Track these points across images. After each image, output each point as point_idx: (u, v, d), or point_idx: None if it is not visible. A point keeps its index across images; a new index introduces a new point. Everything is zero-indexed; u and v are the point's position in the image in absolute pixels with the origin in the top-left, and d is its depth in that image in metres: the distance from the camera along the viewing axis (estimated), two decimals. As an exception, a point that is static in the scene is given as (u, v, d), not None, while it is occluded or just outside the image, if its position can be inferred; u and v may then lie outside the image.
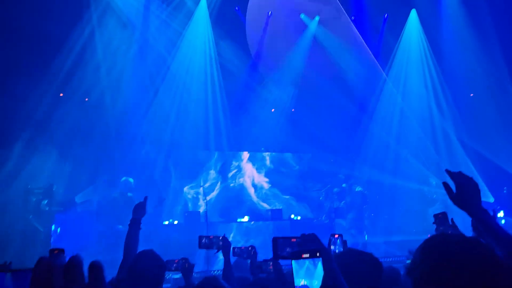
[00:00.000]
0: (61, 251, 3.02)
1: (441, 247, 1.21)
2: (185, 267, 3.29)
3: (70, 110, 8.84)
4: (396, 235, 10.06)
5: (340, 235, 2.79)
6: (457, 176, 1.68)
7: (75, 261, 2.69)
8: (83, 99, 9.33)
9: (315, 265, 1.40)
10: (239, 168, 11.92)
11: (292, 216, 11.43)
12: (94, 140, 9.03)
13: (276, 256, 1.72)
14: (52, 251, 3.00)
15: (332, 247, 2.74)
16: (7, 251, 7.08)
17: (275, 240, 1.72)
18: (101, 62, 9.37)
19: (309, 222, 11.21)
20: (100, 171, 9.12)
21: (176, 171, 10.62)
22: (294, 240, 1.68)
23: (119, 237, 7.45)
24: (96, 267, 2.57)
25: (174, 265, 3.31)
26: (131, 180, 8.57)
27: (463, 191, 1.67)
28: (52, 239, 7.97)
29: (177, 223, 9.55)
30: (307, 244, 1.60)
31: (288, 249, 1.69)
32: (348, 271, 2.07)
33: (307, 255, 1.35)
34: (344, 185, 9.78)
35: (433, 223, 2.99)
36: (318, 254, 1.36)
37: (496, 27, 10.97)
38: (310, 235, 1.66)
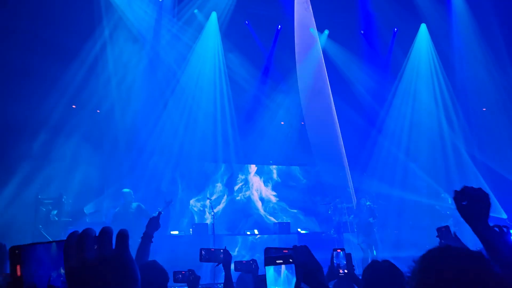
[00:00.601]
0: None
1: (440, 259, 1.19)
2: (191, 279, 3.29)
3: (80, 121, 8.98)
4: (405, 250, 9.91)
5: (343, 249, 2.78)
6: (471, 189, 1.65)
7: (107, 229, 2.72)
8: (94, 111, 9.49)
9: (293, 274, 1.40)
10: (246, 181, 11.93)
11: (299, 229, 11.36)
12: (103, 151, 9.16)
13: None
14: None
15: (334, 261, 2.73)
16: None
17: (267, 251, 1.73)
18: (112, 75, 9.54)
19: (317, 236, 11.11)
20: (108, 182, 9.21)
21: (183, 183, 10.67)
22: (286, 251, 1.69)
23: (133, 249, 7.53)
24: (123, 235, 2.58)
25: (180, 276, 3.31)
26: (126, 190, 8.40)
27: (472, 203, 1.62)
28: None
29: (188, 233, 9.60)
30: (299, 256, 1.61)
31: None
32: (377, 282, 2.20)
33: (281, 261, 1.35)
34: (364, 201, 9.70)
35: (436, 236, 2.96)
36: (291, 260, 1.36)
37: (506, 40, 10.90)
38: (302, 247, 1.67)
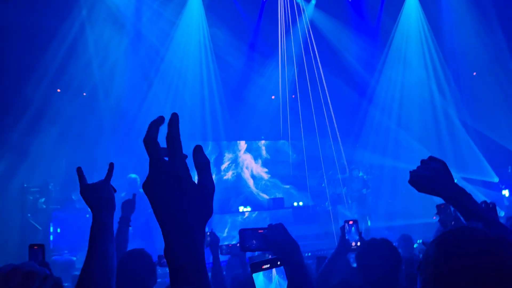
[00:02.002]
0: (41, 246, 2.91)
1: (461, 244, 1.00)
2: None
3: (63, 105, 8.72)
4: (399, 219, 9.98)
5: (355, 221, 2.68)
6: (422, 166, 1.54)
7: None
8: (76, 95, 9.20)
9: (285, 278, 1.27)
10: (236, 159, 11.83)
11: (295, 203, 11.37)
12: (88, 135, 8.94)
13: (243, 248, 1.65)
14: (31, 246, 2.91)
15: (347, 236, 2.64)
16: (6, 250, 7.06)
17: (241, 232, 1.65)
18: (93, 56, 9.21)
19: (312, 209, 11.15)
20: (96, 166, 9.03)
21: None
22: (261, 231, 1.61)
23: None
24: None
25: (164, 260, 3.22)
26: (133, 176, 8.39)
27: (431, 176, 1.51)
28: (52, 237, 7.95)
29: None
30: (274, 235, 1.54)
31: (254, 241, 1.62)
32: (370, 265, 2.18)
33: (267, 266, 1.21)
34: (356, 172, 9.67)
35: (436, 213, 2.88)
36: (279, 263, 1.22)
37: (495, 2, 10.68)
38: (277, 225, 1.59)
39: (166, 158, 0.83)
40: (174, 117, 0.84)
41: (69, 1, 8.93)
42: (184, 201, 0.81)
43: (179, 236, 0.80)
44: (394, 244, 2.39)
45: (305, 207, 11.19)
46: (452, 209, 2.88)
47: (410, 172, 1.57)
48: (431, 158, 1.57)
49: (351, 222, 2.61)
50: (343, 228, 2.61)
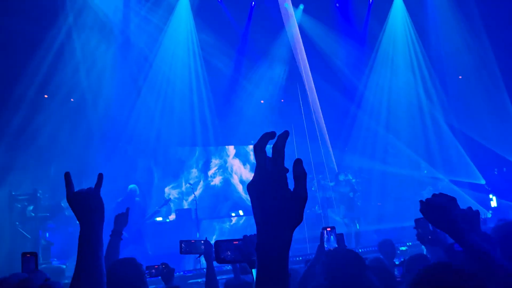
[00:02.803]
0: (33, 254, 2.92)
1: (435, 281, 1.14)
2: (164, 272, 3.22)
3: (51, 112, 8.64)
4: (388, 222, 10.06)
5: (333, 228, 2.70)
6: (435, 199, 1.63)
7: None
8: (64, 101, 9.12)
9: None
10: (225, 165, 11.82)
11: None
12: (77, 142, 8.87)
13: (218, 259, 1.67)
14: (24, 254, 2.91)
15: (325, 245, 2.66)
16: (-4, 259, 6.96)
17: (216, 244, 1.66)
18: (80, 62, 9.16)
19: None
20: (85, 173, 8.95)
21: (158, 171, 10.50)
22: (236, 242, 1.63)
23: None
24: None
25: (154, 271, 3.24)
26: (132, 186, 8.45)
27: (440, 215, 1.62)
28: (40, 245, 7.85)
29: (171, 219, 9.54)
30: (248, 246, 1.56)
31: (229, 253, 1.64)
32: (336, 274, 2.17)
33: None
34: (341, 177, 9.71)
35: (414, 228, 2.93)
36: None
37: (480, 7, 10.88)
38: (251, 236, 1.60)
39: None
40: (285, 133, 0.94)
41: (56, 7, 8.85)
42: (280, 206, 0.90)
43: (269, 237, 0.90)
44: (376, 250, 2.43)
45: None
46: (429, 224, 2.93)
47: (421, 202, 1.66)
48: (442, 194, 1.68)
49: (329, 229, 2.64)
50: (321, 235, 2.63)
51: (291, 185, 0.92)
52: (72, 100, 9.41)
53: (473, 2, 10.86)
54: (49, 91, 8.83)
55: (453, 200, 1.62)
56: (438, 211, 1.61)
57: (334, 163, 11.56)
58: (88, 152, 8.93)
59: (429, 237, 2.76)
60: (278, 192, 0.90)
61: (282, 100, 12.56)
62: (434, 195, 1.66)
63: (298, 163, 0.93)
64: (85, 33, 9.20)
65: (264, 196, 0.90)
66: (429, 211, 1.63)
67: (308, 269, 2.74)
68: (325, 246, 2.66)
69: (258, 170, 0.92)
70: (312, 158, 11.61)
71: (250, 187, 0.92)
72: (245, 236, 1.63)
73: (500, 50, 11.07)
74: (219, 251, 1.67)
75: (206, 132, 11.13)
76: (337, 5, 12.26)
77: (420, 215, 2.91)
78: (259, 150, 0.93)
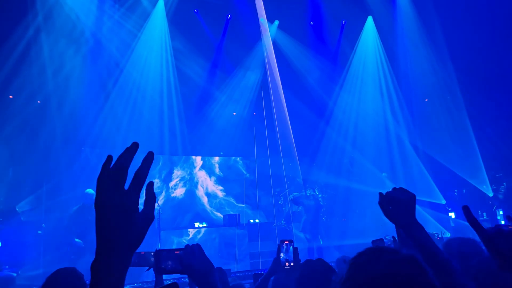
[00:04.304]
0: None
1: (370, 264, 1.09)
2: None
3: (12, 112, 8.32)
4: (351, 238, 10.17)
5: (291, 241, 2.70)
6: (394, 192, 1.60)
7: None
8: (27, 101, 8.79)
9: None
10: (191, 176, 11.70)
11: (251, 220, 11.37)
12: (38, 144, 8.55)
13: (158, 269, 1.63)
14: None
15: (282, 254, 2.65)
16: None
17: (157, 253, 1.62)
18: (47, 62, 8.87)
19: (268, 226, 11.18)
20: (45, 177, 8.64)
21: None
22: (177, 252, 1.59)
23: (73, 250, 7.12)
24: None
25: None
26: (90, 191, 8.04)
27: (397, 207, 1.58)
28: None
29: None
30: (189, 257, 1.53)
31: (170, 262, 1.60)
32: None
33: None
34: (308, 191, 9.77)
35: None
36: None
37: (446, 36, 11.36)
38: (193, 246, 1.57)
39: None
40: (149, 156, 0.94)
41: (25, 4, 8.60)
42: (126, 227, 0.90)
43: (109, 256, 0.88)
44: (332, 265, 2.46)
45: (261, 224, 11.21)
46: (386, 243, 2.98)
47: (381, 194, 1.62)
48: (402, 189, 1.63)
49: (287, 242, 2.64)
50: (278, 248, 2.64)
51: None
52: (39, 102, 9.10)
53: (440, 28, 11.33)
54: (12, 91, 8.50)
55: (413, 196, 1.59)
56: (397, 205, 1.58)
57: (301, 177, 11.65)
58: (49, 156, 8.62)
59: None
60: (128, 213, 0.90)
61: (254, 113, 12.63)
62: (394, 189, 1.62)
63: (150, 186, 0.96)
64: (54, 33, 8.95)
65: (110, 215, 0.89)
66: (387, 204, 1.59)
67: (261, 282, 2.71)
68: (282, 256, 2.66)
69: (114, 188, 0.90)
70: (279, 172, 11.70)
71: (99, 203, 0.90)
72: (186, 246, 1.58)
73: (464, 76, 11.56)
74: (160, 260, 1.62)
75: (174, 141, 10.99)
76: (312, 23, 12.51)
77: (380, 236, 2.97)
78: (120, 168, 0.91)
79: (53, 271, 3.41)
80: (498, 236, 1.55)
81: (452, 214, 11.79)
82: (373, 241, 2.97)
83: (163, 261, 1.62)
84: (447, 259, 1.50)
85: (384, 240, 3.06)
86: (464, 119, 11.79)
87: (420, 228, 1.56)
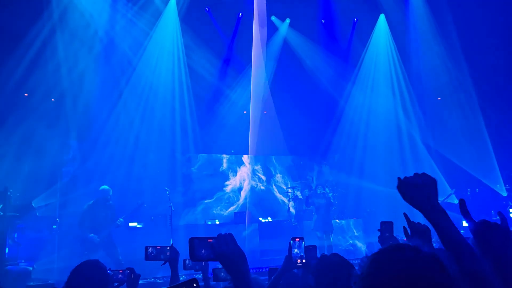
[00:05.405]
0: None
1: (393, 263, 1.07)
2: (131, 277, 3.14)
3: (28, 110, 8.47)
4: (363, 237, 10.14)
5: (302, 238, 2.72)
6: (414, 177, 1.56)
7: None
8: (42, 99, 8.92)
9: None
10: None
11: (260, 218, 11.39)
12: (53, 142, 8.69)
13: (193, 257, 1.66)
14: None
15: (296, 250, 2.67)
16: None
17: (191, 241, 1.66)
18: (62, 61, 9.01)
19: (279, 224, 11.20)
20: (59, 173, 8.78)
21: (134, 174, 10.36)
22: (210, 240, 1.62)
23: (85, 246, 7.22)
24: None
25: (120, 275, 3.16)
26: (105, 187, 8.14)
27: (418, 191, 1.54)
28: (7, 246, 7.61)
29: (145, 224, 9.41)
30: (221, 245, 1.56)
31: (203, 251, 1.64)
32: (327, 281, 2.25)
33: None
34: (319, 190, 9.76)
35: (378, 230, 2.94)
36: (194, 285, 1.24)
37: (459, 33, 11.24)
38: (225, 235, 1.61)
39: None
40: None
41: (40, 4, 8.74)
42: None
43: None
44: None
45: (271, 223, 11.23)
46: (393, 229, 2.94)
47: (400, 179, 1.58)
48: (424, 173, 1.58)
49: (297, 239, 2.65)
50: (290, 245, 2.65)
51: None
52: (53, 100, 9.24)
53: (453, 27, 11.21)
54: (28, 88, 8.65)
55: (434, 180, 1.55)
56: (417, 189, 1.53)
57: (312, 176, 11.65)
58: (62, 152, 8.76)
59: (390, 242, 2.76)
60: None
61: (265, 112, 12.64)
62: (416, 174, 1.57)
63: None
64: (69, 31, 9.08)
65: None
66: (406, 188, 1.55)
67: (274, 280, 2.74)
68: (296, 252, 2.68)
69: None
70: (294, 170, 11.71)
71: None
72: (219, 235, 1.62)
73: (477, 74, 11.42)
74: (194, 248, 1.66)
75: (186, 139, 11.07)
76: (323, 21, 12.47)
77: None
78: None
79: (68, 265, 3.49)
80: (484, 227, 1.68)
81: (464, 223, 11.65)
82: (381, 223, 2.95)
83: (197, 249, 1.66)
84: (470, 245, 1.48)
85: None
86: (478, 118, 11.65)
87: (443, 213, 1.52)
